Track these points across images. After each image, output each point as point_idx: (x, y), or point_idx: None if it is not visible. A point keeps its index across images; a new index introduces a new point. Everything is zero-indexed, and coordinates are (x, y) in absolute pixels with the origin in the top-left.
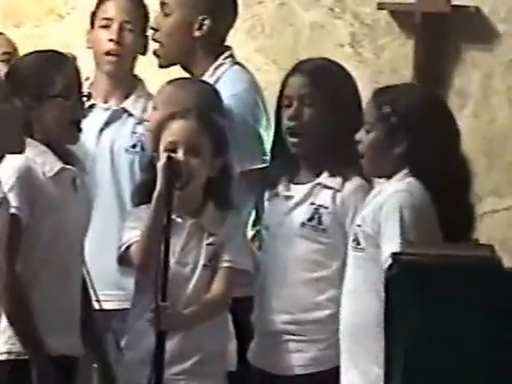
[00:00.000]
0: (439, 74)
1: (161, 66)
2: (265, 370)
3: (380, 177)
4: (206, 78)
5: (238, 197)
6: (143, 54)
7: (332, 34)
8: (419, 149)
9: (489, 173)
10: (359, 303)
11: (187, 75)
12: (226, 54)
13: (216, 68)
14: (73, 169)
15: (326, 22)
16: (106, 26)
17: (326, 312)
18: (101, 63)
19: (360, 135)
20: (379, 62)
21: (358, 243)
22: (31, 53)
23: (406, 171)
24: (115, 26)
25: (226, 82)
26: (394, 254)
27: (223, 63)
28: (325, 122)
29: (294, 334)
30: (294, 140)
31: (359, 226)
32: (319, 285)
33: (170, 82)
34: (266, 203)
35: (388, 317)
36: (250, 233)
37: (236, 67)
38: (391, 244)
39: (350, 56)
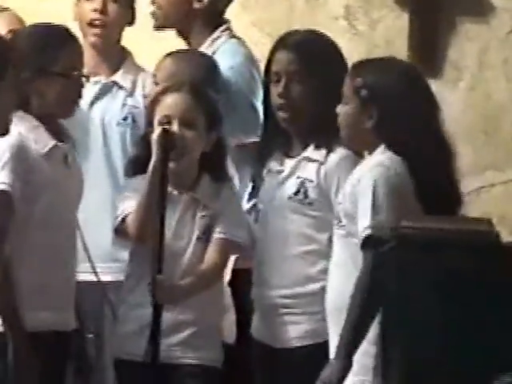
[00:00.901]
0: (434, 47)
1: (156, 27)
2: (265, 343)
3: (359, 150)
4: (202, 49)
5: (235, 170)
6: (130, 24)
7: (326, 6)
8: (390, 122)
9: (486, 146)
10: (342, 278)
11: (176, 43)
12: (223, 27)
13: (213, 40)
14: (64, 146)
15: None
16: None
17: (320, 284)
18: (86, 35)
19: (339, 108)
20: (374, 34)
21: (340, 220)
22: (37, 25)
23: (383, 146)
24: None
25: (223, 55)
26: (392, 228)
27: (220, 36)
28: (314, 97)
29: (289, 307)
30: (284, 115)
31: (340, 203)
32: (311, 258)
33: (168, 55)
34: (262, 180)
35: (386, 290)
36: (246, 206)
37: (233, 40)
38: (364, 218)
39: (344, 29)
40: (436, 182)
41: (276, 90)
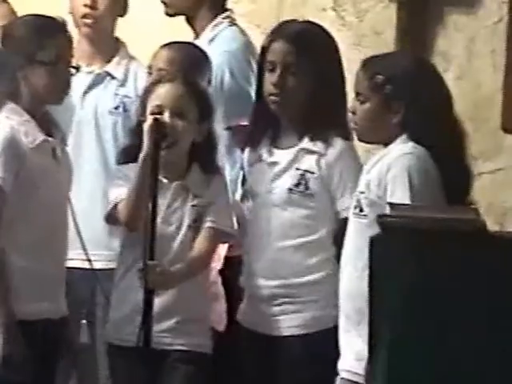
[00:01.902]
0: (422, 37)
1: (167, 14)
2: (257, 331)
3: (373, 143)
4: (204, 34)
5: (227, 155)
6: (122, 15)
7: None
8: (416, 115)
9: (474, 136)
10: (359, 269)
11: (164, 38)
12: (225, 14)
13: (215, 26)
14: (54, 140)
15: None
16: None
17: (318, 275)
18: (79, 26)
19: (354, 106)
20: (362, 25)
21: (361, 210)
22: (28, 15)
23: (405, 136)
24: None
25: (222, 40)
26: (379, 217)
27: (222, 22)
28: (308, 88)
29: (287, 297)
30: (275, 104)
31: (362, 192)
32: (310, 249)
33: (164, 46)
34: (250, 168)
35: (372, 279)
36: (240, 192)
37: (233, 27)
38: None
39: (333, 19)
40: (455, 168)
41: (270, 79)
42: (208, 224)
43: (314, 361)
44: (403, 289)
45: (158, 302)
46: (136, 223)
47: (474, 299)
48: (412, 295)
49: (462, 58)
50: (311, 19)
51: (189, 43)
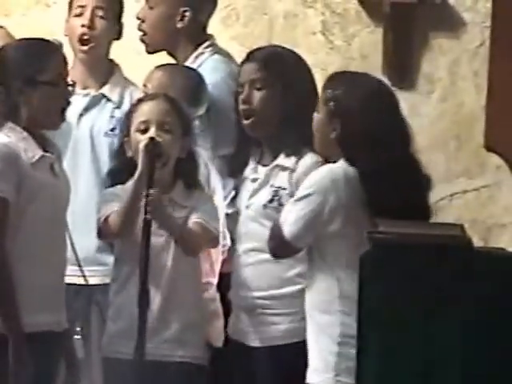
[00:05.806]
0: (408, 61)
1: (148, 52)
2: (242, 342)
3: (326, 158)
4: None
5: (218, 181)
6: (117, 39)
7: (304, 22)
8: (351, 136)
9: (458, 154)
10: (318, 280)
11: (156, 58)
12: (206, 44)
13: (196, 57)
14: (52, 156)
15: (299, 10)
16: (80, 14)
17: (297, 287)
18: (75, 50)
19: (314, 116)
20: (350, 48)
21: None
22: (23, 39)
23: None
24: (88, 13)
25: (204, 72)
26: (369, 233)
27: (203, 52)
28: (275, 103)
29: (267, 308)
30: (247, 122)
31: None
32: (288, 261)
33: (158, 67)
34: (239, 187)
35: (361, 294)
36: (225, 211)
37: (216, 56)
38: None
39: (321, 43)
40: (396, 199)
41: (240, 99)
42: (193, 219)
43: (285, 372)
44: (392, 303)
45: (156, 313)
46: (128, 229)
47: (460, 314)
48: (401, 309)
49: (446, 79)
50: (301, 43)
51: (182, 65)
